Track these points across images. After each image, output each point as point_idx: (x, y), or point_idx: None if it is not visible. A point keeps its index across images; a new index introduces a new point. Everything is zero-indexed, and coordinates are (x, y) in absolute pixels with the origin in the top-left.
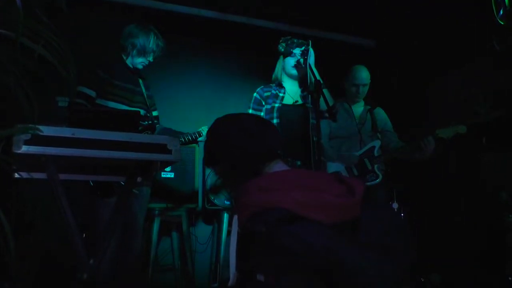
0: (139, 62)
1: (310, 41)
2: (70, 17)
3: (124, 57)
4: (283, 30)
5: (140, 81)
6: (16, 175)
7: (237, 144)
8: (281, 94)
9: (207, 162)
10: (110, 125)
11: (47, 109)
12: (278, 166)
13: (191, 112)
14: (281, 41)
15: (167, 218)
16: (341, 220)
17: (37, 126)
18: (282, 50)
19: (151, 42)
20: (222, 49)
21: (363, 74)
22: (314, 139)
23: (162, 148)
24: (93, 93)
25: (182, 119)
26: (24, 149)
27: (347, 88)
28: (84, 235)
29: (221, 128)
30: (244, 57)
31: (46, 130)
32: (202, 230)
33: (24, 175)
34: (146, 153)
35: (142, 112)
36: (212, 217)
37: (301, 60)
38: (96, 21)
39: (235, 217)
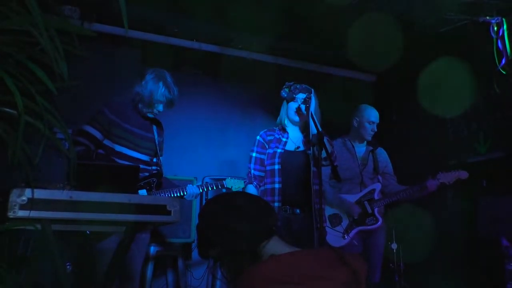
0: (146, 111)
1: (312, 89)
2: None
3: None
4: (282, 64)
5: (154, 127)
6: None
7: (232, 227)
8: (284, 139)
9: (200, 247)
10: (110, 179)
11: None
12: (277, 245)
13: (190, 143)
14: (284, 87)
15: (162, 253)
16: None
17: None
18: (285, 95)
19: (158, 93)
20: (222, 81)
21: (375, 112)
22: (315, 187)
23: (161, 209)
24: (98, 134)
25: (181, 150)
26: (20, 214)
27: (357, 125)
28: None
29: (214, 211)
30: (244, 89)
31: (43, 194)
32: (198, 265)
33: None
34: (145, 214)
35: (146, 158)
36: None
37: (302, 107)
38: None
39: None
